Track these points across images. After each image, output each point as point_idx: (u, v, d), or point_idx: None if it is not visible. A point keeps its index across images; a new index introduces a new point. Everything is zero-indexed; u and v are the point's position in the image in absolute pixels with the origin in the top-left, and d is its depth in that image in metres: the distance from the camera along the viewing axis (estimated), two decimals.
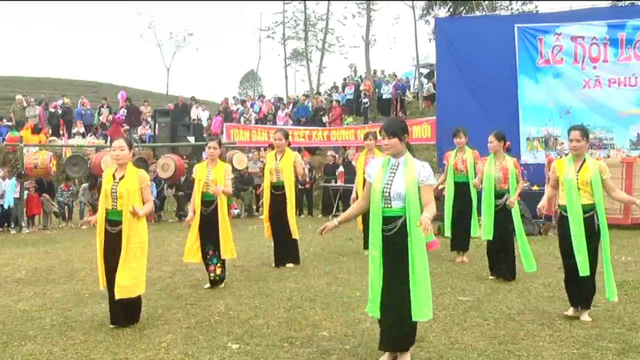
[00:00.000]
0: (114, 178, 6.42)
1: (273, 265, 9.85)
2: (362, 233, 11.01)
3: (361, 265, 9.55)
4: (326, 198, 18.66)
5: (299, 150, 21.67)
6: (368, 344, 5.63)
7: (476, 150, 9.94)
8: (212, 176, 8.35)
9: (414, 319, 4.88)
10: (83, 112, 28.31)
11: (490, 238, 8.65)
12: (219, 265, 8.37)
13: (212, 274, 8.37)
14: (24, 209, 16.02)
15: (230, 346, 5.68)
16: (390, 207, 4.96)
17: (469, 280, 8.57)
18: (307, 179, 10.03)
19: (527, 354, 5.36)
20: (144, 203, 6.46)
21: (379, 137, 10.54)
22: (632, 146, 14.54)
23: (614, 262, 9.53)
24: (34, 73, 60.43)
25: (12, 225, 15.80)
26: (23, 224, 15.74)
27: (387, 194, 4.96)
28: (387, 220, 4.96)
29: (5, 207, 15.61)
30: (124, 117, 26.80)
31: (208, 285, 8.34)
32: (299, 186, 18.38)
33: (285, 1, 45.43)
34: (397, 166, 5.05)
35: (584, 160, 6.46)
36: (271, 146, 18.54)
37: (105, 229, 6.37)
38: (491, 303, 7.19)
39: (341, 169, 18.74)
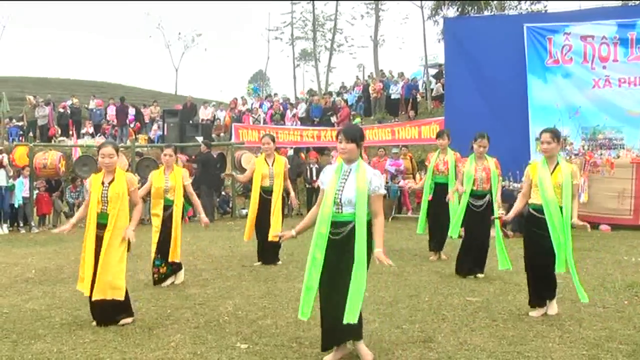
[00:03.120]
0: (103, 184, 6.48)
1: (255, 263, 10.02)
2: None
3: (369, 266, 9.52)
4: None
5: (307, 150, 21.74)
6: (376, 345, 5.63)
7: (458, 153, 10.18)
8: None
9: (345, 322, 4.92)
10: (93, 111, 28.43)
11: (456, 236, 9.08)
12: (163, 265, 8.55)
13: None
14: (34, 209, 16.07)
15: (239, 346, 5.69)
16: (341, 212, 5.11)
17: (477, 280, 8.56)
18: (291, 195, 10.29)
19: (536, 355, 5.34)
20: (132, 206, 6.58)
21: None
22: None
23: (625, 263, 9.58)
24: (42, 73, 60.60)
25: (22, 225, 15.88)
26: (33, 224, 15.80)
27: (339, 199, 5.11)
28: (336, 224, 5.11)
29: (15, 206, 15.67)
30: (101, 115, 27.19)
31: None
32: (307, 185, 18.42)
33: (294, 1, 45.53)
34: (349, 172, 5.18)
35: (557, 163, 6.60)
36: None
37: (96, 233, 6.43)
38: (500, 304, 7.18)
39: None
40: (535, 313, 6.65)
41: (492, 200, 8.72)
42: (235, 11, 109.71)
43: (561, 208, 6.43)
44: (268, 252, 9.96)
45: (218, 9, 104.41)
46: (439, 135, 10.24)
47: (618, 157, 14.01)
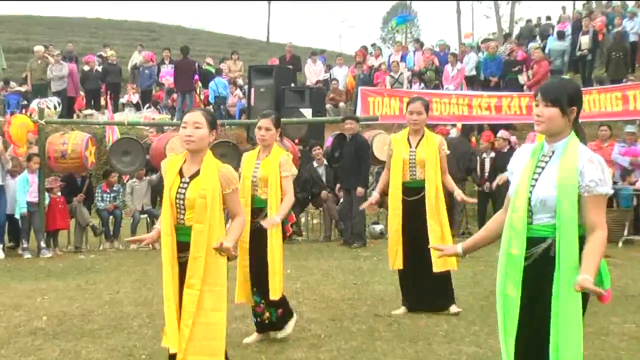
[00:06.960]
0: (182, 175, 6.06)
1: (395, 311, 9.89)
2: None
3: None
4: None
5: (480, 129, 21.51)
6: None
7: None
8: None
9: None
10: (139, 70, 29.12)
11: None
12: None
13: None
14: (44, 221, 16.28)
15: None
16: (531, 222, 4.79)
17: None
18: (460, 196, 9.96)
19: None
20: (228, 219, 6.20)
21: None
22: None
23: None
24: (59, 12, 62.69)
25: (26, 246, 16.03)
26: (42, 244, 15.98)
27: (528, 200, 4.79)
28: (527, 242, 4.76)
29: (16, 216, 15.82)
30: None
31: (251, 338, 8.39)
32: (477, 187, 18.22)
33: None
34: (551, 157, 4.82)
35: None
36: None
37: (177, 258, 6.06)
38: None
39: None
40: None
41: None
42: None
43: None
44: (424, 292, 9.74)
45: None
46: None
47: None
